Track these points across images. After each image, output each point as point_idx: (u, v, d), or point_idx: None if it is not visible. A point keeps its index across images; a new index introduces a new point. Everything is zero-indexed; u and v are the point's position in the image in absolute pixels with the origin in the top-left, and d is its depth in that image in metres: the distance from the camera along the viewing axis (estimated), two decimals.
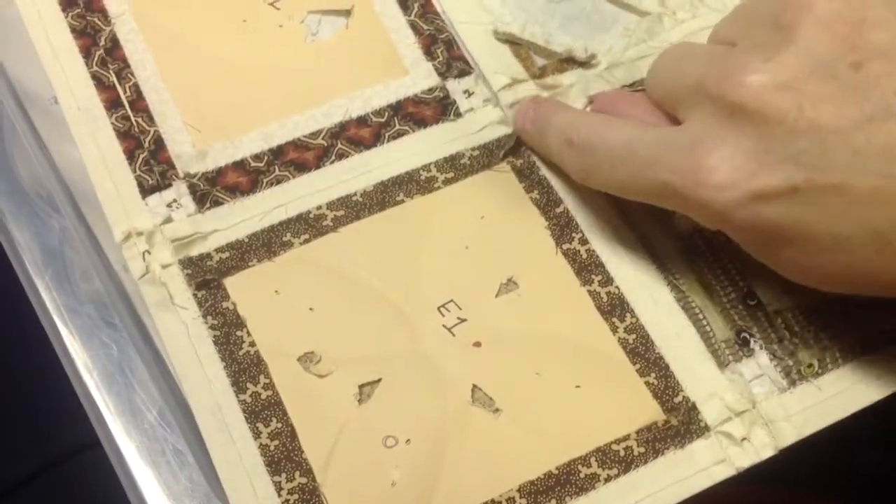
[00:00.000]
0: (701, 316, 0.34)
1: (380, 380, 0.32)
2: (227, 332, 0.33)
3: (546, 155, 0.36)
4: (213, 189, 0.35)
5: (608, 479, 0.31)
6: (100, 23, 0.38)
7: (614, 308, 0.34)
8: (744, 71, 0.28)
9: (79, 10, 0.38)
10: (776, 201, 0.27)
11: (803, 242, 0.28)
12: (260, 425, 0.31)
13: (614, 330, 0.33)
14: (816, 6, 0.28)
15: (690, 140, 0.29)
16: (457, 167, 0.36)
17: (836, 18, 0.28)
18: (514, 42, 0.39)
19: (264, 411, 0.32)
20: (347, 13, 0.39)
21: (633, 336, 0.33)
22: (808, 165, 0.27)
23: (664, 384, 0.33)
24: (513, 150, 0.37)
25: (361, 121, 0.37)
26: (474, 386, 0.32)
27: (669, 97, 0.32)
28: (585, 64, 0.38)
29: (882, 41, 0.27)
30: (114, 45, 0.38)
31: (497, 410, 0.32)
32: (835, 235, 0.27)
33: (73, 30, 0.38)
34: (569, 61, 0.39)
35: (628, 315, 0.33)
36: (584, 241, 0.35)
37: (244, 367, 0.32)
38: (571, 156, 0.33)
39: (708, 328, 0.34)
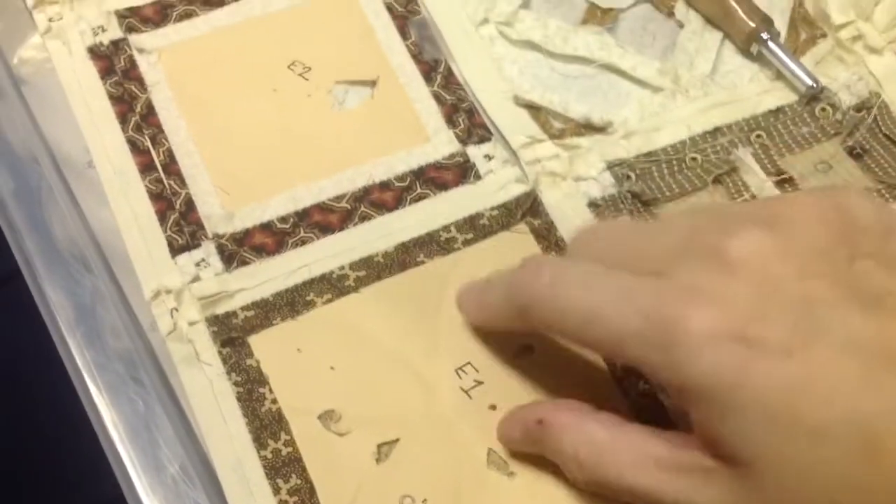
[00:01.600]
0: None
1: (398, 439, 0.33)
2: (251, 388, 0.34)
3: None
4: (240, 249, 0.36)
5: None
6: (136, 90, 0.40)
7: (628, 373, 0.34)
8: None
9: (116, 79, 0.40)
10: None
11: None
12: (280, 481, 0.32)
13: (626, 395, 0.34)
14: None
15: None
16: (476, 228, 0.37)
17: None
18: (533, 107, 0.40)
19: (284, 468, 0.32)
20: (373, 84, 0.41)
21: (647, 400, 0.34)
22: None
23: None
24: (531, 209, 0.38)
25: (384, 185, 0.38)
26: (490, 449, 0.33)
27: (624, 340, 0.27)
28: (602, 130, 0.40)
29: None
30: (149, 112, 0.39)
31: (512, 474, 0.33)
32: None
33: (111, 97, 0.40)
34: (586, 126, 0.40)
35: (641, 381, 0.34)
36: None
37: (266, 424, 0.33)
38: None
39: None
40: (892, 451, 0.23)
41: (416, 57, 0.41)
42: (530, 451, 0.31)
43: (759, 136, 0.40)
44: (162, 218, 0.37)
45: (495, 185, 0.38)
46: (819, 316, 0.24)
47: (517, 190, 0.38)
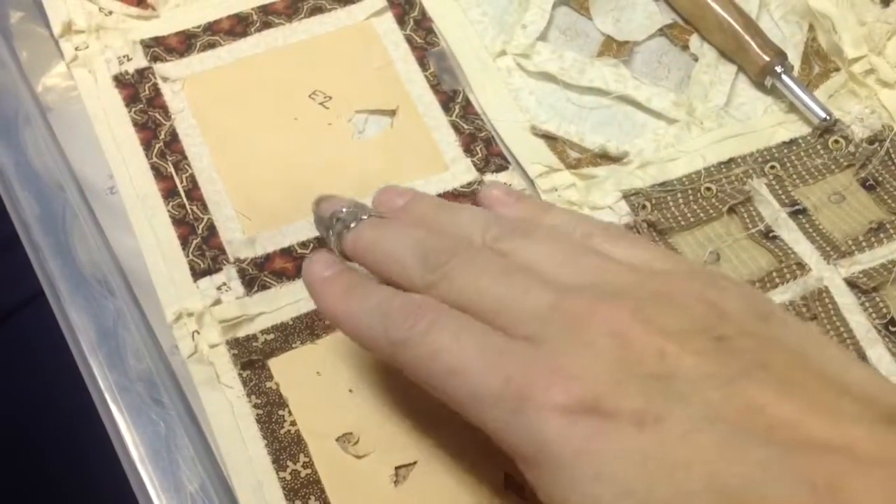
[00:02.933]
0: None
1: (416, 462, 0.33)
2: (270, 410, 0.34)
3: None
4: (261, 274, 0.37)
5: None
6: (160, 118, 0.40)
7: None
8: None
9: (141, 106, 0.41)
10: None
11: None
12: (298, 503, 0.32)
13: None
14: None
15: None
16: None
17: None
18: (549, 137, 0.41)
19: (303, 489, 0.33)
20: (392, 113, 0.41)
21: None
22: None
23: None
24: None
25: None
26: (506, 473, 0.33)
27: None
28: (618, 160, 0.40)
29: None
30: (173, 139, 0.40)
31: (528, 497, 0.33)
32: None
33: (135, 124, 0.40)
34: (602, 157, 0.41)
35: None
36: None
37: (285, 446, 0.33)
38: None
39: None
40: None
41: (435, 87, 0.42)
42: None
43: (773, 167, 0.40)
44: (184, 242, 0.37)
45: None
46: (678, 390, 0.24)
47: None
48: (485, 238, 0.30)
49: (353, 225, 0.32)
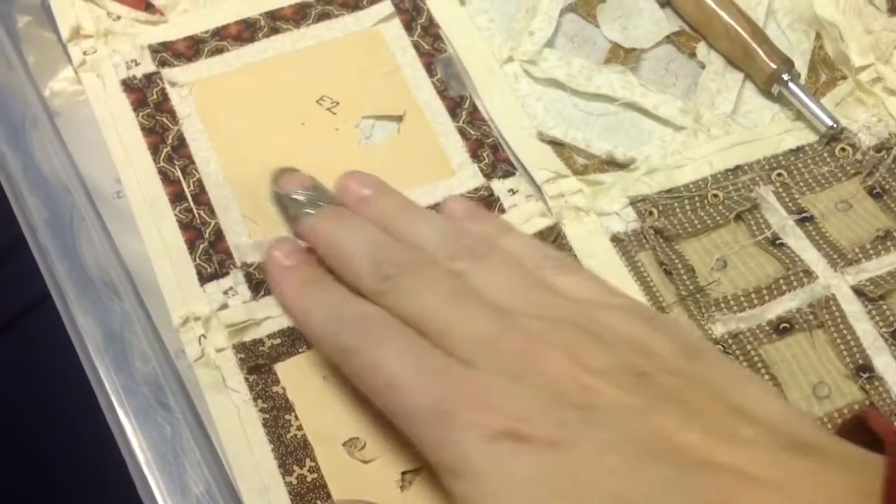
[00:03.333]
0: None
1: (422, 467, 0.33)
2: (276, 415, 0.34)
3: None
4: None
5: None
6: (168, 122, 0.41)
7: None
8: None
9: (149, 111, 0.41)
10: None
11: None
12: None
13: None
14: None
15: None
16: None
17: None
18: (556, 143, 0.41)
19: (309, 493, 0.33)
20: (399, 119, 0.41)
21: None
22: None
23: None
24: (555, 243, 0.38)
25: None
26: None
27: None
28: (625, 167, 0.40)
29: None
30: (180, 144, 0.40)
31: None
32: None
33: (143, 128, 0.40)
34: (609, 163, 0.41)
35: None
36: None
37: (291, 450, 0.33)
38: None
39: None
40: None
41: (442, 93, 0.42)
42: None
43: (779, 174, 0.40)
44: (191, 247, 0.38)
45: (520, 219, 0.39)
46: (594, 419, 0.26)
47: (541, 224, 0.39)
48: (440, 253, 0.31)
49: (311, 210, 0.33)
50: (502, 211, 0.39)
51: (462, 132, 0.41)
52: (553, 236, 0.38)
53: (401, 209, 0.34)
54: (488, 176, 0.40)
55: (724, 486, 0.24)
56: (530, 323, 0.29)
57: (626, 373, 0.27)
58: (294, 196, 0.33)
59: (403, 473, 0.33)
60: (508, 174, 0.40)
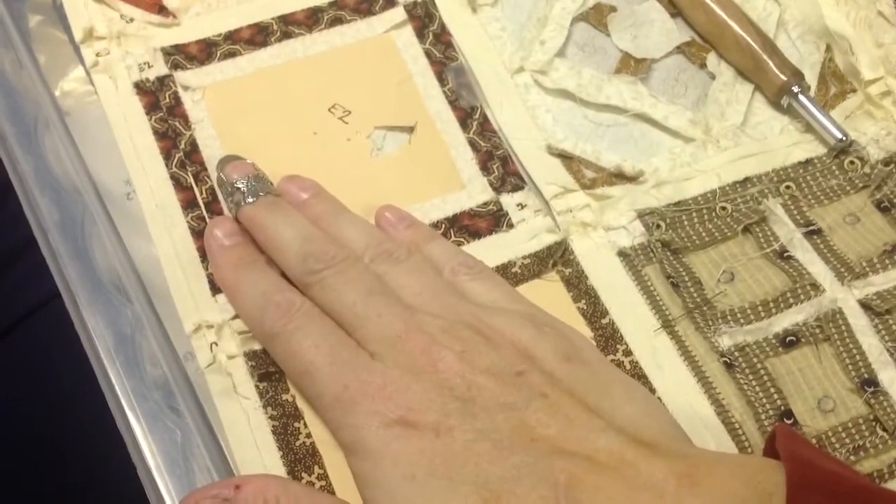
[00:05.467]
0: (740, 431, 0.35)
1: None
2: (286, 422, 0.34)
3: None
4: None
5: None
6: (181, 127, 0.41)
7: None
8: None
9: (161, 115, 0.41)
10: None
11: None
12: None
13: None
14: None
15: None
16: (508, 276, 0.38)
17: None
18: (565, 156, 0.41)
19: None
20: (411, 130, 0.42)
21: None
22: None
23: None
24: (562, 259, 0.38)
25: None
26: None
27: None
28: (634, 179, 0.41)
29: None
30: (193, 149, 0.40)
31: None
32: None
33: (156, 132, 0.41)
34: (618, 176, 0.41)
35: None
36: (627, 353, 0.36)
37: (300, 458, 0.34)
38: None
39: (746, 443, 0.35)
40: None
41: (453, 103, 0.42)
42: None
43: (788, 187, 0.41)
44: (203, 255, 0.38)
45: (528, 235, 0.39)
46: (473, 411, 0.31)
47: (549, 239, 0.39)
48: (364, 255, 0.36)
49: (250, 199, 0.37)
50: (510, 226, 0.39)
51: (472, 144, 0.41)
52: (561, 252, 0.39)
53: (336, 212, 0.38)
54: (497, 190, 0.40)
55: (570, 470, 0.29)
56: (433, 322, 0.33)
57: (507, 372, 0.32)
58: (237, 185, 0.37)
59: None
60: (517, 188, 0.40)
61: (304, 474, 0.33)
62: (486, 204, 0.40)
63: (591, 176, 0.41)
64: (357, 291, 0.34)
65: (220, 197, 0.38)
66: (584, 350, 0.34)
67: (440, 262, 0.37)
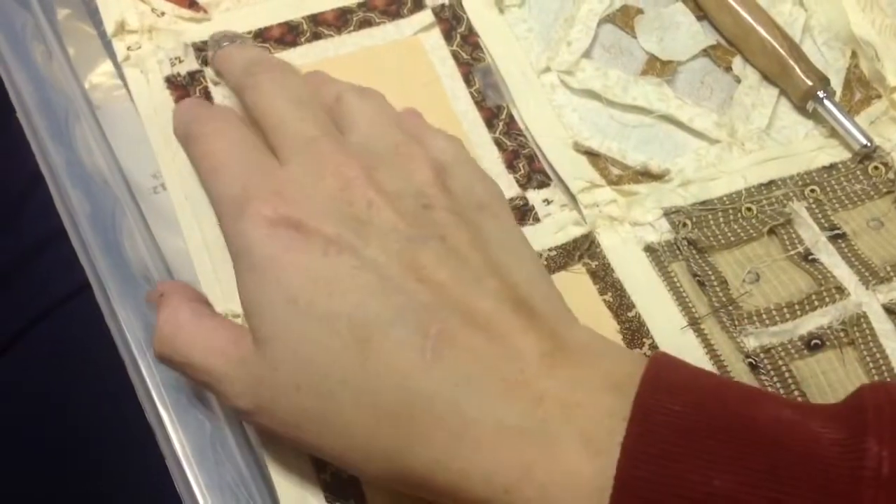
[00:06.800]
0: None
1: None
2: None
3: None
4: None
5: None
6: None
7: None
8: None
9: None
10: None
11: None
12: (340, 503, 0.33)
13: None
14: None
15: None
16: None
17: None
18: (592, 153, 0.42)
19: (343, 490, 0.33)
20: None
21: None
22: None
23: None
24: (588, 251, 0.39)
25: None
26: None
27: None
28: (660, 178, 0.41)
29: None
30: None
31: None
32: None
33: None
34: (644, 174, 0.41)
35: None
36: (654, 347, 0.37)
37: None
38: None
39: None
40: (378, 351, 0.28)
41: (480, 103, 0.43)
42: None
43: (812, 190, 0.41)
44: None
45: (554, 227, 0.39)
46: (367, 234, 0.29)
47: (575, 232, 0.39)
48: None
49: (225, 44, 0.40)
50: (537, 220, 0.40)
51: (498, 143, 0.42)
52: (587, 245, 0.39)
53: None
54: (523, 186, 0.41)
55: (446, 323, 0.28)
56: (350, 136, 0.33)
57: (412, 200, 0.30)
58: (215, 38, 0.42)
59: None
60: (543, 185, 0.41)
61: (329, 464, 0.34)
62: (512, 200, 0.40)
63: (618, 173, 0.41)
64: (287, 98, 0.34)
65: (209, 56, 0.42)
66: (497, 203, 0.33)
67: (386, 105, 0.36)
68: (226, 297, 0.37)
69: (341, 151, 0.31)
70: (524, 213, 0.40)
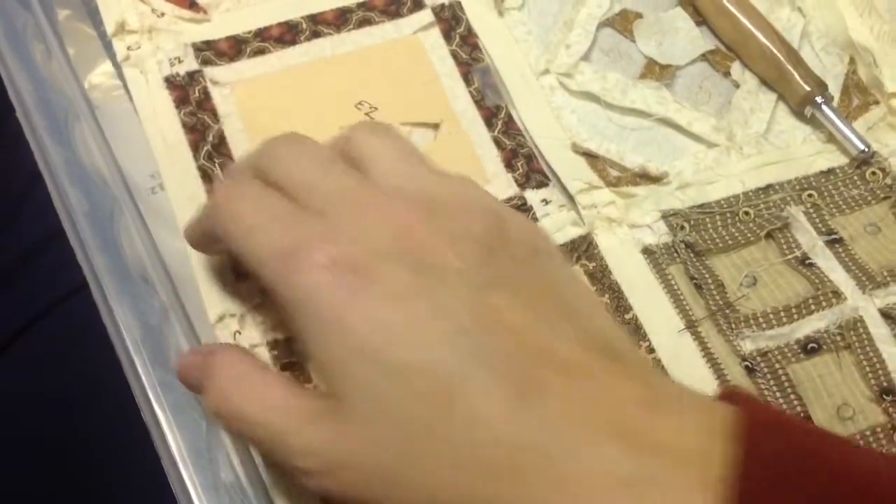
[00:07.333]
0: None
1: None
2: None
3: None
4: None
5: None
6: (209, 121, 0.41)
7: None
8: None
9: (191, 109, 0.41)
10: None
11: None
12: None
13: None
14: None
15: None
16: None
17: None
18: (590, 155, 0.42)
19: None
20: (436, 127, 0.42)
21: None
22: None
23: None
24: (586, 252, 0.39)
25: None
26: None
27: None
28: (658, 180, 0.41)
29: None
30: (220, 142, 0.41)
31: None
32: None
33: (185, 125, 0.41)
34: (642, 176, 0.41)
35: None
36: (651, 350, 0.37)
37: None
38: None
39: None
40: (462, 401, 0.25)
41: (479, 103, 0.43)
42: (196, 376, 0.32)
43: (810, 195, 0.41)
44: None
45: (552, 228, 0.39)
46: (438, 279, 0.27)
47: (573, 233, 0.39)
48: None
49: None
50: (535, 220, 0.40)
51: (497, 142, 0.42)
52: (585, 246, 0.39)
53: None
54: (522, 186, 0.41)
55: (532, 368, 0.26)
56: (391, 182, 0.30)
57: (478, 245, 0.28)
58: None
59: None
60: (542, 184, 0.41)
61: None
62: (510, 199, 0.40)
63: (616, 175, 0.41)
64: (310, 160, 0.31)
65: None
66: (551, 247, 0.32)
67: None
68: (223, 299, 0.37)
69: (388, 196, 0.29)
70: (522, 212, 0.40)
